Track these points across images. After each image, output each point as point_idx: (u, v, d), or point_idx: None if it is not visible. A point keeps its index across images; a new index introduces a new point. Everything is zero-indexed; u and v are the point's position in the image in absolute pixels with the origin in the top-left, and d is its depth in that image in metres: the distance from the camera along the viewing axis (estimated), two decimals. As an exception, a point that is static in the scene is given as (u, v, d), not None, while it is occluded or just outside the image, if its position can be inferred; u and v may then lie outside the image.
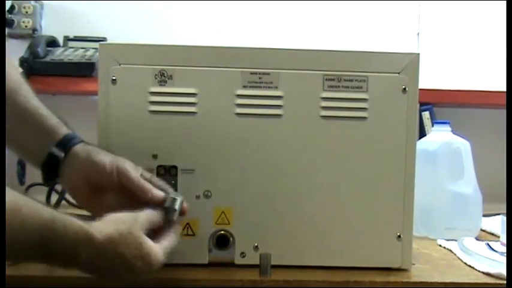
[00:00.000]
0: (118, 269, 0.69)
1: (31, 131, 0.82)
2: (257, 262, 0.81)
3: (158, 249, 0.71)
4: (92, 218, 0.71)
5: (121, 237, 0.68)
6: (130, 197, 0.76)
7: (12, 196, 0.62)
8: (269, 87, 0.84)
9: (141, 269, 0.69)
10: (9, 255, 0.61)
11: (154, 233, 0.73)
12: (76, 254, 0.66)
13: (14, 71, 0.85)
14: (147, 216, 0.73)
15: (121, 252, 0.68)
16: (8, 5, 0.87)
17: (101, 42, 0.87)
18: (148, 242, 0.70)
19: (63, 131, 0.80)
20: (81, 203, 0.81)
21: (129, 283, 0.74)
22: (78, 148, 0.78)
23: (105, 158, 0.77)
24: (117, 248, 0.68)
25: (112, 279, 0.72)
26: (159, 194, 0.76)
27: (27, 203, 0.63)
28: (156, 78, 0.83)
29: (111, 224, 0.69)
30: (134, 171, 0.77)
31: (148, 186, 0.76)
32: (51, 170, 0.79)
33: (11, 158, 1.41)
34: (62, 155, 0.78)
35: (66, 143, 0.78)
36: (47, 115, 0.81)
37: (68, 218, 0.66)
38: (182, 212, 0.76)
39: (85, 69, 1.35)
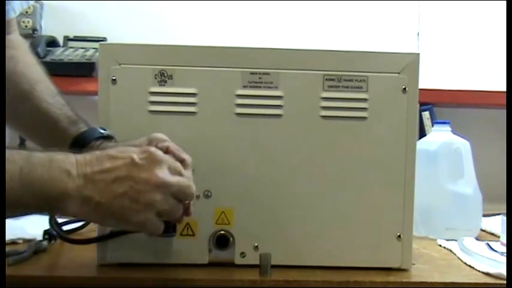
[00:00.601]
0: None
1: (45, 135, 0.84)
2: (257, 262, 0.81)
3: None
4: None
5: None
6: None
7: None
8: (269, 87, 0.84)
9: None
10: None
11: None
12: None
13: (31, 69, 0.88)
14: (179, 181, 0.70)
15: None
16: (25, 4, 0.91)
17: (101, 42, 0.87)
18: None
19: (72, 133, 0.80)
20: None
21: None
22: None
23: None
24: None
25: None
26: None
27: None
28: (156, 78, 0.83)
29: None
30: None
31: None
32: None
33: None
34: None
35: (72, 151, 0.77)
36: (57, 116, 0.82)
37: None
38: (187, 212, 0.75)
39: (85, 69, 1.35)
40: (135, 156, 0.67)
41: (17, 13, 0.90)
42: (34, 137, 0.87)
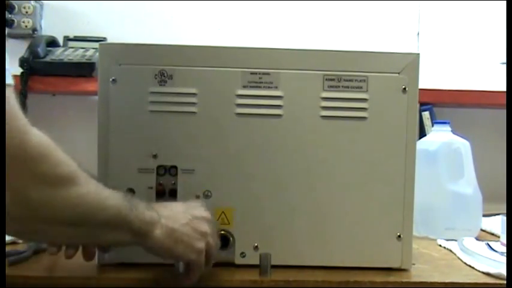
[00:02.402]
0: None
1: None
2: (257, 262, 0.81)
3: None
4: None
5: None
6: None
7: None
8: (269, 87, 0.84)
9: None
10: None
11: None
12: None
13: None
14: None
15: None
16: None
17: (101, 42, 0.87)
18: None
19: None
20: None
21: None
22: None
23: None
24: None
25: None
26: None
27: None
28: (156, 78, 0.83)
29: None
30: None
31: None
32: None
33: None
34: None
35: None
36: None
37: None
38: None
39: (85, 69, 1.35)
40: (185, 203, 0.79)
41: None
42: None
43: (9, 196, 0.60)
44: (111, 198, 0.69)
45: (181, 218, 0.75)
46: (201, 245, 0.74)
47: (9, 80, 0.62)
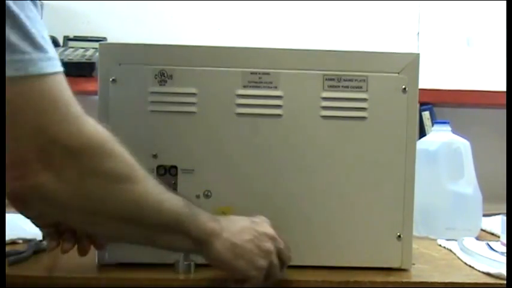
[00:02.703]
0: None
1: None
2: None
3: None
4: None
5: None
6: None
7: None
8: (269, 87, 0.84)
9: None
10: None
11: None
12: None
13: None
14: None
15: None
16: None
17: (101, 42, 0.87)
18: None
19: None
20: None
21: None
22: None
23: None
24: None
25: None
26: None
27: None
28: (156, 78, 0.83)
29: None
30: None
31: None
32: None
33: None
34: None
35: None
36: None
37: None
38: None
39: (85, 69, 1.35)
40: (250, 218, 0.77)
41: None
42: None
43: (63, 185, 0.60)
44: (170, 201, 0.69)
45: (246, 233, 0.74)
46: (263, 262, 0.73)
47: (58, 67, 0.62)
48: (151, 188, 0.67)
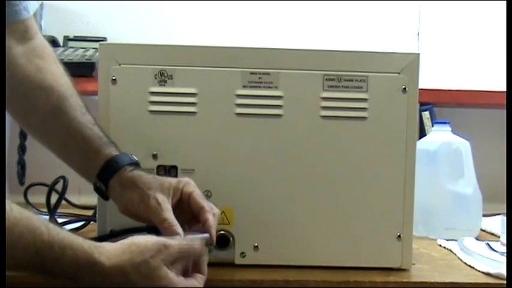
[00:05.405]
0: None
1: (75, 154, 0.81)
2: (257, 262, 0.81)
3: (182, 283, 0.67)
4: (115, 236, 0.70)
5: (133, 268, 0.64)
6: (180, 214, 0.75)
7: (9, 211, 0.60)
8: (269, 87, 0.84)
9: None
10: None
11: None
12: (77, 277, 0.64)
13: (60, 81, 0.83)
14: (181, 246, 0.68)
15: (131, 281, 0.64)
16: (37, 4, 0.83)
17: (101, 42, 0.87)
18: (169, 275, 0.66)
19: (104, 155, 0.78)
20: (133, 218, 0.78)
21: None
22: (114, 182, 0.77)
23: (152, 191, 0.74)
24: (126, 276, 0.64)
25: None
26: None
27: (23, 222, 0.61)
28: (156, 78, 0.83)
29: (127, 253, 0.65)
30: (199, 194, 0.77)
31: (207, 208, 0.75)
32: (102, 195, 0.79)
33: (11, 158, 1.41)
34: (103, 187, 0.78)
35: (105, 174, 0.77)
36: (89, 136, 0.79)
37: (72, 241, 0.63)
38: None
39: (85, 69, 1.35)
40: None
41: (31, 13, 0.82)
42: (63, 155, 0.83)
43: None
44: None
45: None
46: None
47: None
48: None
